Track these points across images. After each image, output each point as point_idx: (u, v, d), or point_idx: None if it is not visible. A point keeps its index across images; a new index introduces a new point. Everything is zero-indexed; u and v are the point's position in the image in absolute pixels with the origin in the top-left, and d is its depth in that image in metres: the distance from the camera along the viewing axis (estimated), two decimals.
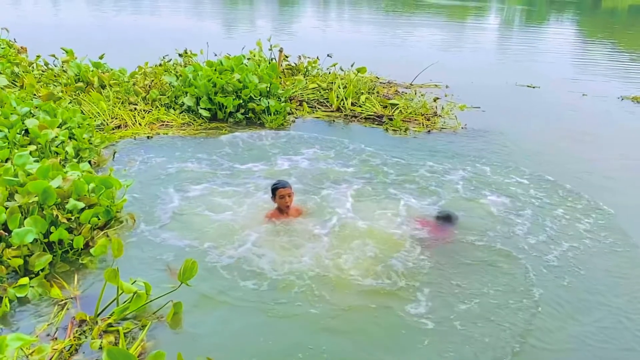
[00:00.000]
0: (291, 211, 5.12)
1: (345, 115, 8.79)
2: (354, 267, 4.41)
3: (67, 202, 4.39)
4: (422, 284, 4.26)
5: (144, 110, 8.08)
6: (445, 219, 5.18)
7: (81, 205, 4.37)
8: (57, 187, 4.28)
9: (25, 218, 4.07)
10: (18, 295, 3.72)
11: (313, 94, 9.47)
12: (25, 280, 3.80)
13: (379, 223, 5.14)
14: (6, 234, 4.03)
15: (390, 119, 8.52)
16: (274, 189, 5.05)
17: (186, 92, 8.28)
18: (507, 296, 4.19)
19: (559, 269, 4.62)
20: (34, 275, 3.95)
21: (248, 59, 9.81)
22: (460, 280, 4.35)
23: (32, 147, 5.61)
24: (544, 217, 5.54)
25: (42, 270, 4.01)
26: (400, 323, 3.81)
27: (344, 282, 4.22)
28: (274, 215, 5.10)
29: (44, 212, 4.23)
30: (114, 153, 6.46)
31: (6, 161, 5.10)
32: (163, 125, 7.74)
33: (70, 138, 6.22)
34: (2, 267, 3.91)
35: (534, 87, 11.77)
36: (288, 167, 6.51)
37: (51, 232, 4.13)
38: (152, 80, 9.21)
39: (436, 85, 11.21)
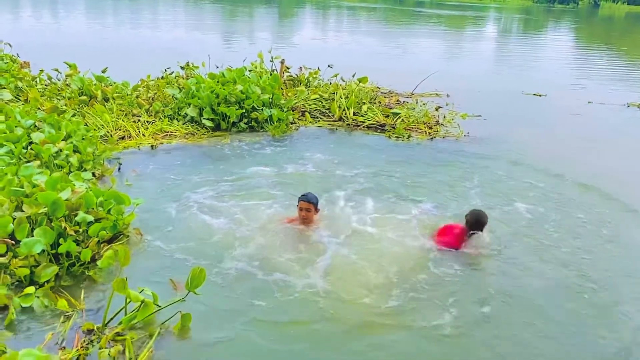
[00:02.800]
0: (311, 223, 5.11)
1: (347, 124, 8.83)
2: (370, 285, 4.28)
3: (75, 215, 4.39)
4: (445, 304, 4.09)
5: (147, 122, 8.12)
6: (476, 222, 4.85)
7: (90, 218, 4.38)
8: (65, 200, 4.29)
9: (33, 229, 4.08)
10: (23, 304, 3.71)
11: (315, 104, 9.51)
12: (31, 289, 3.79)
13: (396, 235, 5.04)
14: (13, 242, 4.03)
15: (393, 128, 8.55)
16: (299, 201, 5.05)
17: (189, 104, 8.32)
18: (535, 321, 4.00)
19: (601, 281, 4.52)
20: (39, 286, 3.94)
21: (250, 70, 9.87)
22: (488, 301, 4.17)
23: (37, 162, 5.62)
24: (568, 222, 5.50)
25: (48, 281, 4.01)
26: (420, 347, 3.64)
27: (360, 301, 4.09)
28: (293, 220, 5.10)
29: (52, 223, 4.23)
30: (119, 165, 6.48)
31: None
32: (167, 135, 7.78)
33: (74, 151, 6.25)
34: (7, 276, 3.91)
35: (540, 96, 11.80)
36: (293, 171, 6.56)
37: (59, 244, 4.13)
38: (155, 93, 9.26)
39: (437, 94, 11.27)
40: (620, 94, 12.16)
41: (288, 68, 10.82)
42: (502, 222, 5.44)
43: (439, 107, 9.84)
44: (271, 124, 8.26)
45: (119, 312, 3.57)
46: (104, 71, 9.42)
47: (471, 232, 4.87)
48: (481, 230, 4.86)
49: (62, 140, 6.19)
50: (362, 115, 9.03)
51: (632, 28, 36.22)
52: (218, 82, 8.65)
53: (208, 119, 8.09)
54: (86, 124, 7.49)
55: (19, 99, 8.48)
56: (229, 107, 8.09)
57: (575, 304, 4.22)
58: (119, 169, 6.43)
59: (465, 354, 3.62)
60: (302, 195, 5.06)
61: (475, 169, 6.90)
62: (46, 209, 4.23)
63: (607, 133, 9.17)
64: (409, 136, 8.29)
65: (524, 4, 54.67)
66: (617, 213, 5.78)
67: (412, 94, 11.19)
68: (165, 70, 10.45)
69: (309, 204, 4.99)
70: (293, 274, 4.37)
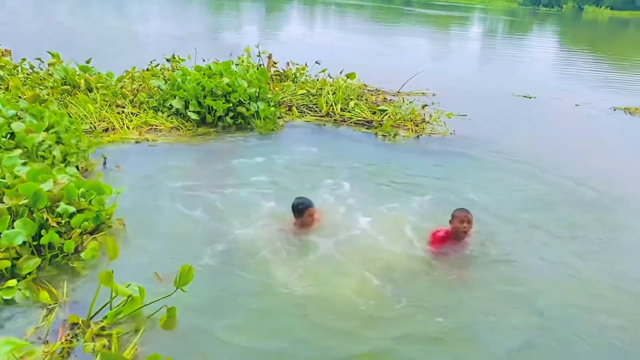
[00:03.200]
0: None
1: (334, 120, 8.82)
2: (363, 293, 4.16)
3: (57, 206, 4.31)
4: (448, 311, 4.00)
5: (131, 114, 8.00)
6: (460, 221, 4.74)
7: (72, 209, 4.30)
8: (47, 191, 4.21)
9: (14, 220, 3.99)
10: (5, 297, 3.63)
11: (302, 99, 9.47)
12: (12, 282, 3.72)
13: (389, 239, 4.90)
14: None
15: (380, 125, 8.56)
16: (303, 209, 4.86)
17: (174, 96, 8.21)
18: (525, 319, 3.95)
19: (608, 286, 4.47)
20: (21, 279, 3.86)
21: (236, 64, 9.78)
22: (491, 312, 4.05)
23: (19, 151, 5.49)
24: (564, 223, 5.49)
25: (30, 273, 3.93)
26: None
27: (358, 311, 3.95)
28: (293, 225, 4.98)
29: (33, 215, 4.14)
30: (104, 159, 6.37)
31: None
32: (151, 129, 7.67)
33: (57, 142, 6.12)
34: None
35: (530, 97, 11.87)
36: (281, 167, 6.53)
37: (40, 236, 4.05)
38: (140, 84, 9.13)
39: (423, 93, 11.30)
40: (606, 98, 12.27)
41: (275, 63, 10.75)
42: (495, 222, 5.42)
43: (425, 105, 9.88)
44: (258, 119, 8.19)
45: (104, 306, 3.51)
46: (88, 62, 9.25)
47: (459, 232, 4.78)
48: (466, 230, 4.77)
49: (44, 130, 6.06)
50: (349, 111, 9.03)
51: (615, 33, 36.82)
52: (204, 74, 8.55)
53: (194, 111, 7.99)
54: (69, 115, 7.35)
55: (0, 88, 8.29)
56: (215, 100, 8.01)
57: (581, 305, 4.18)
58: (105, 163, 6.32)
59: None
60: (302, 203, 4.87)
61: (463, 167, 6.95)
62: (27, 200, 4.14)
63: (596, 135, 9.25)
64: (395, 134, 8.29)
65: (510, 6, 55.24)
66: (611, 213, 5.83)
67: (398, 92, 11.21)
68: (151, 62, 10.31)
69: (313, 208, 4.90)
70: (282, 274, 4.30)
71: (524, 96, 11.95)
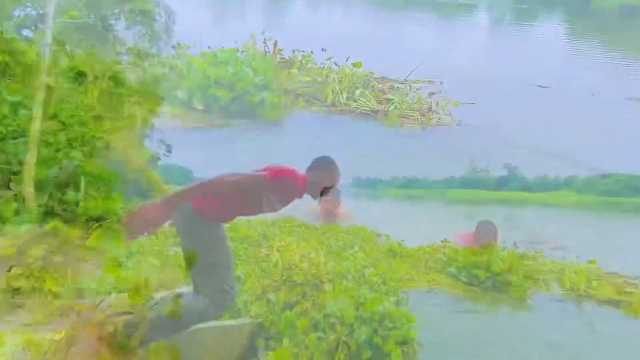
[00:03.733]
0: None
1: (340, 110, 8.79)
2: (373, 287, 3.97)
3: (62, 193, 4.32)
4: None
5: (136, 103, 7.99)
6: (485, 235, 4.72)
7: (79, 196, 4.31)
8: (54, 177, 4.22)
9: (19, 207, 4.00)
10: (11, 285, 3.65)
11: (308, 87, 9.45)
12: (19, 269, 3.73)
13: (398, 230, 4.82)
14: None
15: (386, 114, 8.54)
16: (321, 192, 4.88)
17: (180, 85, 8.21)
18: None
19: None
20: (27, 266, 3.87)
21: (242, 52, 9.74)
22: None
23: (23, 139, 5.49)
24: (582, 217, 5.56)
25: (35, 261, 3.94)
26: None
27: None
28: (315, 209, 4.99)
29: (39, 201, 4.16)
30: (108, 144, 6.37)
31: None
32: (157, 116, 7.67)
33: (62, 130, 6.12)
34: None
35: (544, 87, 11.69)
36: (288, 154, 6.48)
37: (46, 223, 4.06)
38: (145, 70, 9.11)
39: (430, 82, 11.20)
40: (622, 87, 12.00)
41: (281, 50, 10.71)
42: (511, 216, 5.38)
43: (433, 94, 9.83)
44: (263, 108, 8.18)
45: (110, 293, 3.53)
46: (93, 47, 9.23)
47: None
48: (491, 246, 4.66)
49: (50, 118, 6.06)
50: (355, 100, 9.00)
51: (625, 21, 36.38)
52: (210, 62, 8.53)
53: (199, 102, 8.00)
54: (75, 101, 7.34)
55: (5, 74, 8.28)
56: (220, 89, 7.99)
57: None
58: (107, 147, 6.32)
59: None
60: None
61: (471, 156, 6.88)
62: (33, 187, 4.15)
63: (611, 125, 9.13)
64: (401, 125, 8.26)
65: None
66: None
67: (405, 80, 11.13)
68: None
69: (330, 197, 4.86)
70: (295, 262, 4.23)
71: (539, 86, 11.74)
